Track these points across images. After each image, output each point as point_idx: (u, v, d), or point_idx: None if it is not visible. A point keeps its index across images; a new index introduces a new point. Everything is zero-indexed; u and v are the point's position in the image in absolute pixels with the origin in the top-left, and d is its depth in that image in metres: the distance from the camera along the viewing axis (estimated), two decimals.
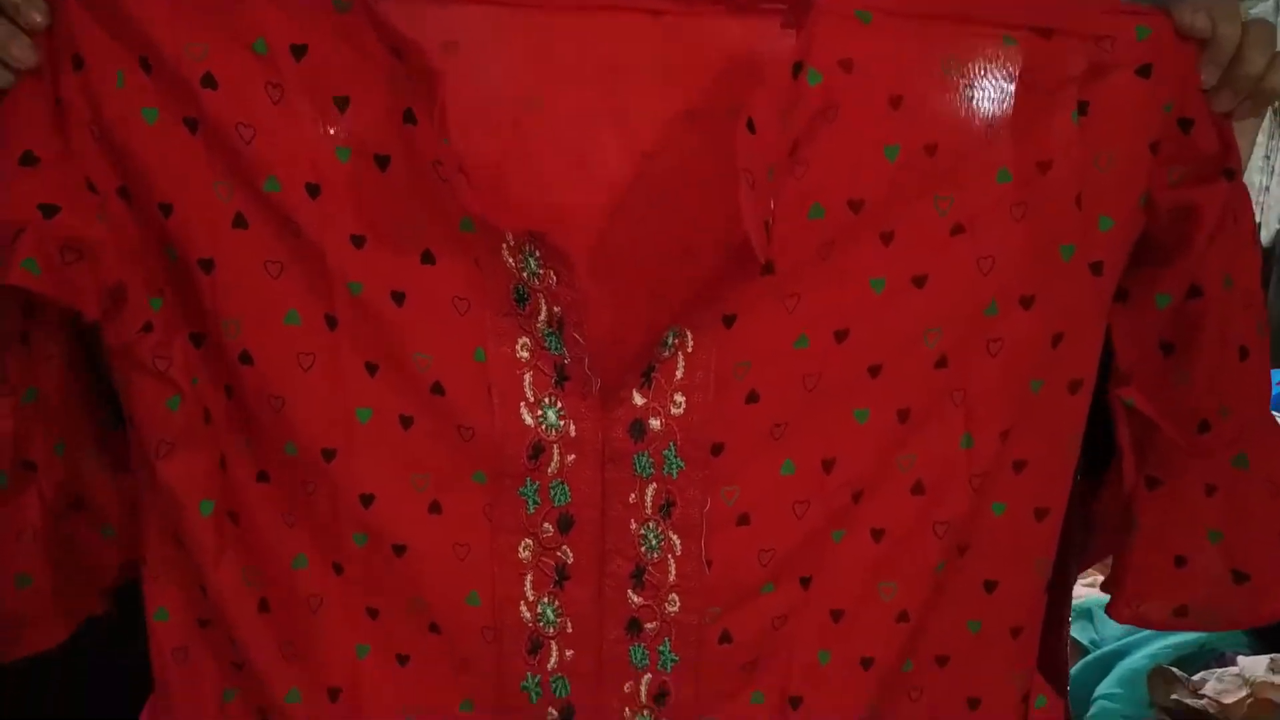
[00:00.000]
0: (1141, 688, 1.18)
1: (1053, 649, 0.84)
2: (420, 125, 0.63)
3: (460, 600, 0.70)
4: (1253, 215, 0.70)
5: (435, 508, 0.69)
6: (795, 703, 0.72)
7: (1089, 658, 1.25)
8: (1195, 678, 1.17)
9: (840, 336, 0.67)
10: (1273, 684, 1.09)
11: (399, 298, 0.66)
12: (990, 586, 0.72)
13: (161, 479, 0.67)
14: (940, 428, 0.69)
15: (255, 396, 0.67)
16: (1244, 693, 1.10)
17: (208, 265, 0.65)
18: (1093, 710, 1.17)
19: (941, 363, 0.68)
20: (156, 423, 0.66)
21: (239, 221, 0.65)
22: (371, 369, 0.67)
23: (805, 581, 0.70)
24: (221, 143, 0.63)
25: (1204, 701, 1.13)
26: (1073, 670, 1.25)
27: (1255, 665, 1.12)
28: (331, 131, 0.64)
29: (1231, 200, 0.66)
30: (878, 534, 0.70)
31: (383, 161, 0.64)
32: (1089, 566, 0.84)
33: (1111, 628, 1.28)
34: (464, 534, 0.69)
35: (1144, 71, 0.65)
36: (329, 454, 0.67)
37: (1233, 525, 0.72)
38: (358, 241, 0.65)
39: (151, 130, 0.63)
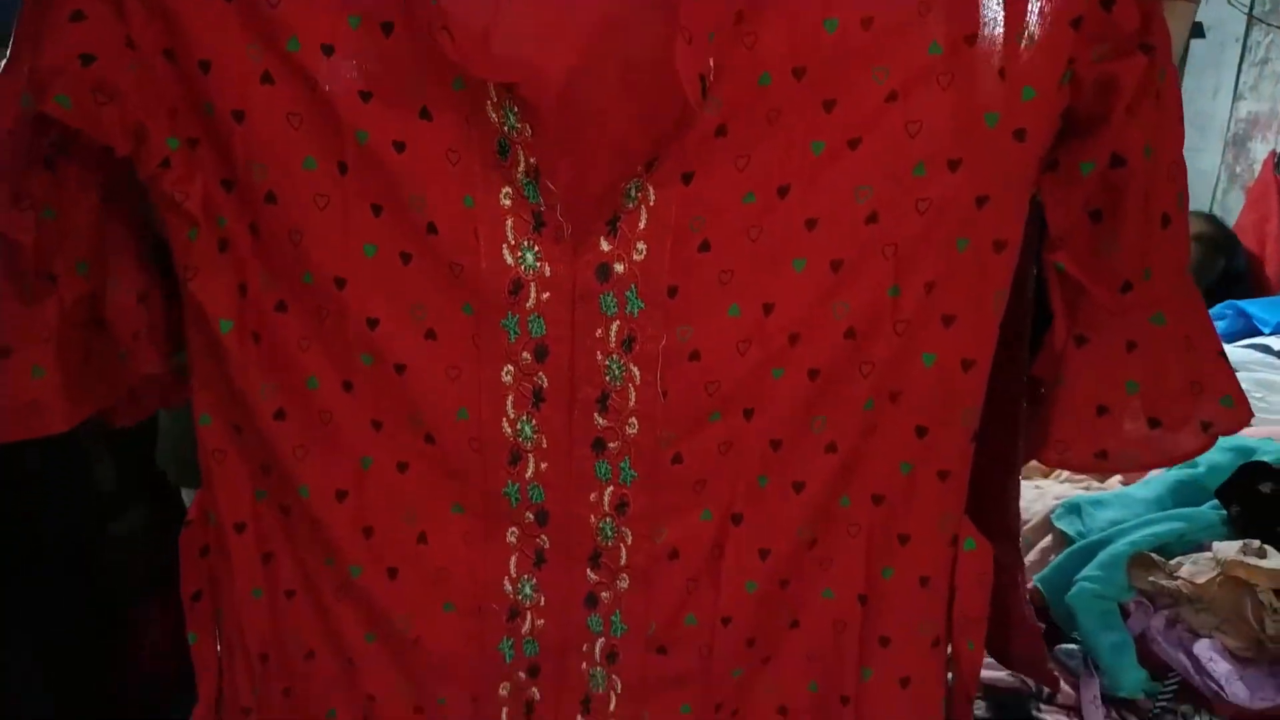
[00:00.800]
0: (1120, 571, 1.22)
1: (1002, 514, 0.91)
2: None
3: (452, 416, 0.81)
4: (1177, 92, 0.75)
5: (430, 335, 0.79)
6: (737, 519, 0.82)
7: (1073, 547, 1.29)
8: (1172, 562, 1.22)
9: (782, 193, 0.75)
10: (1242, 563, 1.13)
11: (399, 147, 0.75)
12: (921, 431, 0.80)
13: (189, 297, 0.79)
14: (870, 278, 0.76)
15: (277, 231, 0.78)
16: (1215, 573, 1.16)
17: (239, 116, 0.75)
18: (1072, 591, 1.22)
19: (872, 218, 0.75)
20: (181, 249, 0.78)
21: (266, 78, 0.75)
22: (376, 210, 0.77)
23: (748, 413, 0.80)
24: (252, 8, 0.74)
25: (1178, 583, 1.19)
26: (1057, 559, 1.32)
27: (1228, 549, 1.17)
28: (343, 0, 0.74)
29: (1151, 74, 0.70)
30: (813, 373, 0.78)
31: (387, 28, 0.74)
32: (1037, 447, 0.88)
33: (1097, 521, 1.33)
34: (455, 358, 0.80)
35: None
36: (340, 282, 0.78)
37: (1149, 377, 0.78)
38: (364, 97, 0.75)
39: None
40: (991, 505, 0.89)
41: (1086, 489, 1.48)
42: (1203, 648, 1.16)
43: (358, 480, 0.83)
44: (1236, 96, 3.19)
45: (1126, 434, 0.80)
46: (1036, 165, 0.74)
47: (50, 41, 0.71)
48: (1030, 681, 1.20)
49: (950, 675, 0.88)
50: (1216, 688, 1.12)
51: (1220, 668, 1.13)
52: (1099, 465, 0.82)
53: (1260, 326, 1.90)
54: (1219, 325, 1.93)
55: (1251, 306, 1.93)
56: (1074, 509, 1.38)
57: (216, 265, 0.79)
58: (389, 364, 0.80)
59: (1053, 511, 1.40)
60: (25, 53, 0.72)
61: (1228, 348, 1.81)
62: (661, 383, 0.78)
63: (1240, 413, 0.80)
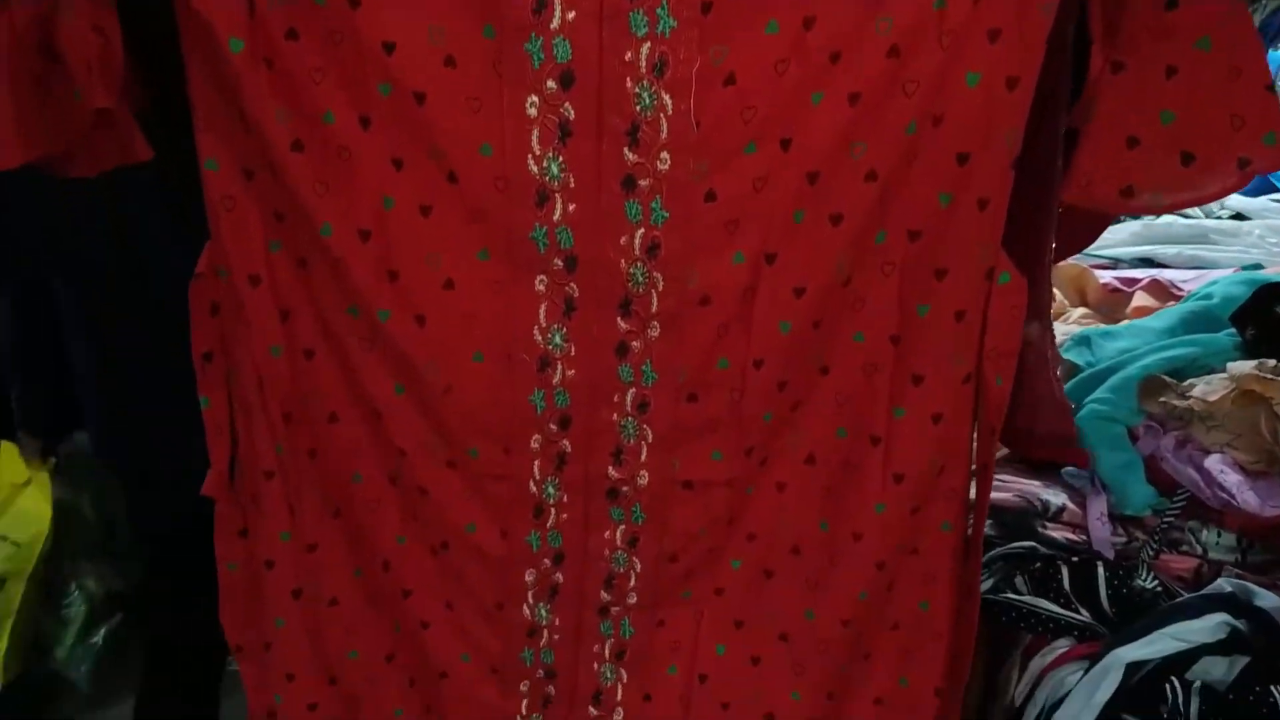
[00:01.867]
0: (1131, 394, 1.21)
1: (1036, 292, 0.89)
2: None
3: (475, 150, 0.78)
4: None
5: (450, 61, 0.76)
6: (771, 259, 0.80)
7: (1082, 374, 1.28)
8: (1184, 384, 1.22)
9: None
10: (1258, 377, 1.13)
11: None
12: (962, 159, 0.77)
13: (191, 19, 0.75)
14: None
15: None
16: (1229, 389, 1.15)
17: None
18: (1081, 413, 1.21)
19: None
20: None
21: None
22: None
23: (785, 143, 0.77)
24: None
25: (1190, 402, 1.19)
26: (1067, 386, 1.32)
27: (1242, 366, 1.16)
28: None
29: None
30: (853, 98, 0.76)
31: None
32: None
33: (1107, 351, 1.33)
34: (476, 88, 0.76)
35: None
36: (353, 2, 0.74)
37: (1186, 107, 0.75)
38: None
39: None
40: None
41: (1090, 318, 1.49)
42: (1214, 461, 1.15)
43: (380, 221, 0.80)
44: None
45: (1156, 169, 0.77)
46: None
47: None
48: (1037, 500, 1.20)
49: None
50: (1227, 497, 1.12)
51: (1231, 478, 1.13)
52: (1123, 203, 0.79)
53: (1275, 182, 1.88)
54: None
55: None
56: (1084, 341, 1.38)
57: None
58: (407, 93, 0.76)
59: (1061, 344, 1.39)
60: None
61: (1241, 200, 1.83)
62: (695, 111, 0.75)
63: None
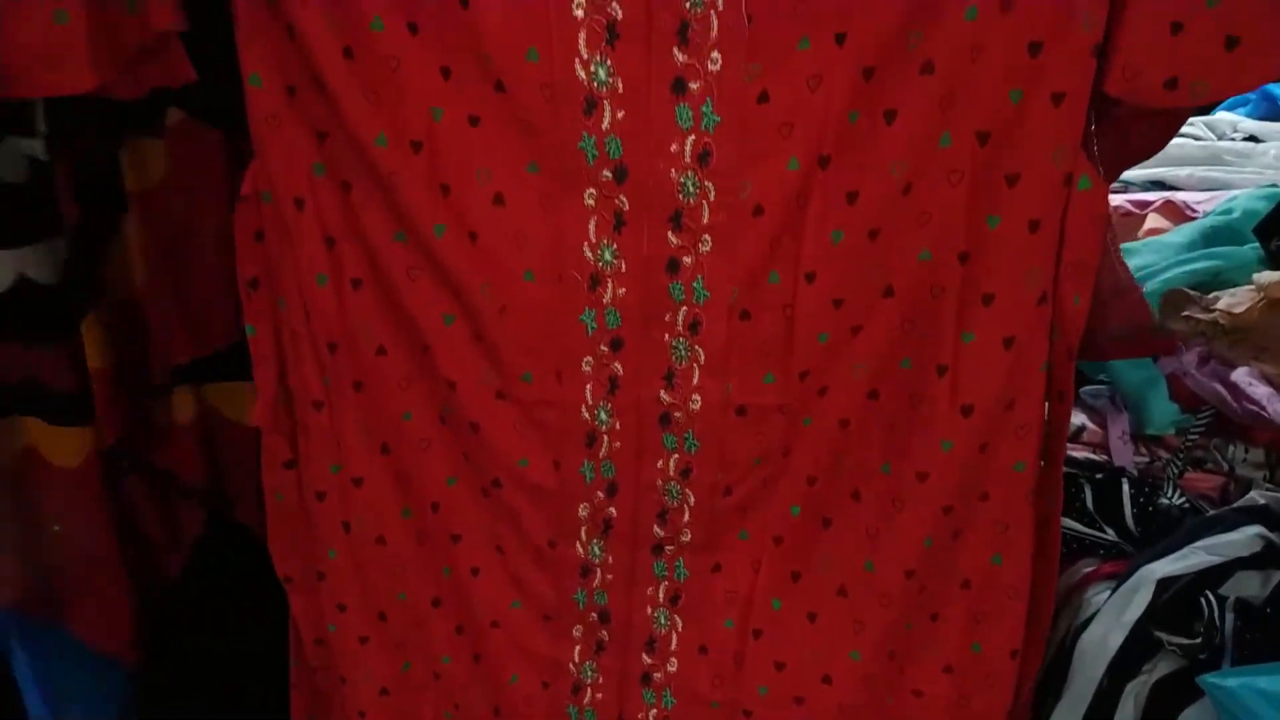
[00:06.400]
0: (1153, 309, 1.22)
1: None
2: None
3: (521, 56, 0.75)
4: None
5: None
6: (824, 162, 0.78)
7: None
8: (1209, 297, 1.21)
9: None
10: None
11: None
12: (1034, 49, 0.74)
13: None
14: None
15: None
16: (1257, 299, 1.14)
17: None
18: None
19: None
20: None
21: None
22: None
23: (839, 37, 0.74)
24: None
25: (1215, 314, 1.18)
26: None
27: (1271, 276, 1.16)
28: None
29: None
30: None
31: None
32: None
33: None
34: None
35: None
36: None
37: None
38: None
39: None
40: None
41: None
42: (1241, 374, 1.15)
43: (430, 133, 0.78)
44: None
45: (1203, 55, 0.72)
46: None
47: None
48: None
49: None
50: (1257, 409, 1.11)
51: (1260, 390, 1.13)
52: (1167, 96, 0.74)
53: None
54: (1244, 109, 1.89)
55: (1277, 89, 1.89)
56: None
57: None
58: None
59: None
60: None
61: (1255, 122, 1.81)
62: (746, 5, 0.73)
63: None
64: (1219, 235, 1.33)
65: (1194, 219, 1.48)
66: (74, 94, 0.74)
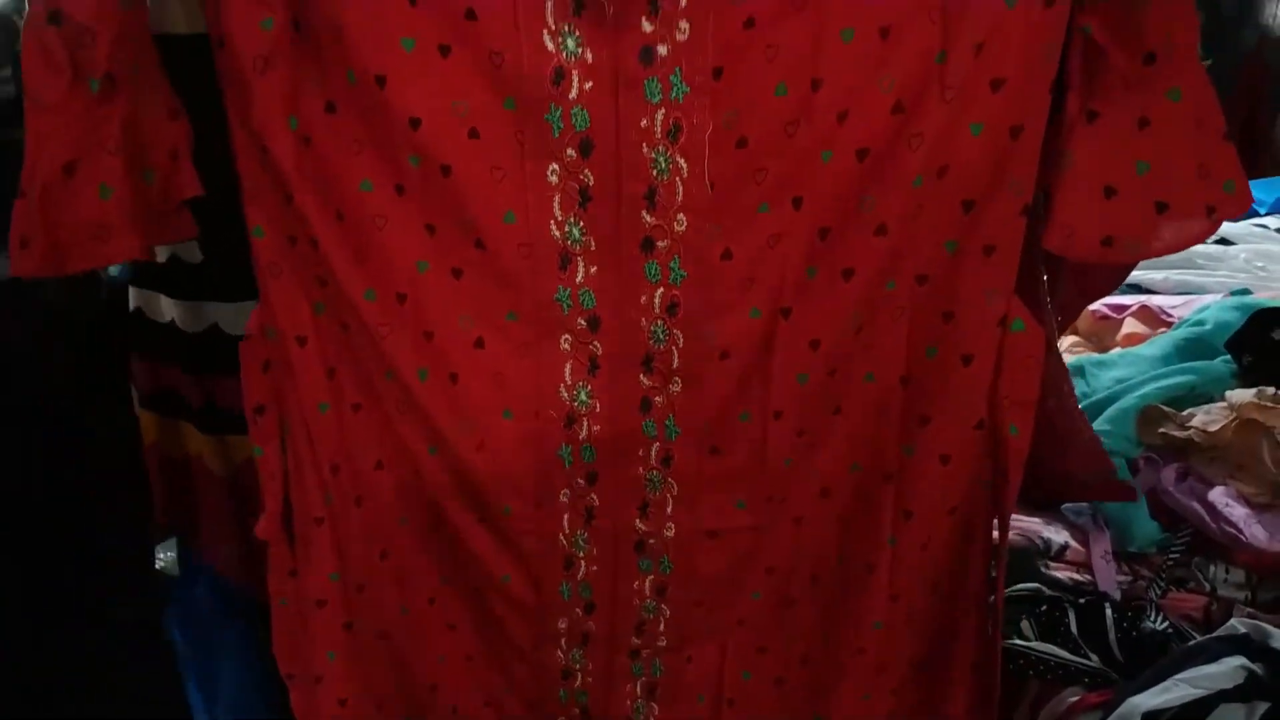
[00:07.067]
0: (1130, 425, 1.21)
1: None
2: None
3: (499, 218, 0.79)
4: None
5: (474, 133, 0.77)
6: (786, 313, 0.82)
7: (1080, 405, 1.29)
8: (1184, 414, 1.22)
9: None
10: (1258, 405, 1.13)
11: None
12: (968, 206, 0.79)
13: (258, 93, 0.75)
14: (918, 44, 0.75)
15: (320, 27, 0.75)
16: (1230, 419, 1.15)
17: None
18: None
19: None
20: (252, 39, 0.74)
21: None
22: None
23: (796, 201, 0.79)
24: None
25: (1190, 432, 1.19)
26: None
27: (1242, 395, 1.17)
28: None
29: None
30: (861, 153, 0.77)
31: None
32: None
33: (1102, 381, 1.33)
34: (499, 158, 0.78)
35: None
36: (381, 80, 0.75)
37: (1159, 157, 0.77)
38: None
39: None
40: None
41: (1082, 346, 1.49)
42: (1218, 494, 1.16)
43: (414, 284, 0.82)
44: None
45: (1134, 218, 0.78)
46: None
47: None
48: (1038, 538, 1.19)
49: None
50: (1235, 532, 1.12)
51: (1237, 511, 1.13)
52: (1104, 253, 0.80)
53: (1255, 207, 1.90)
54: None
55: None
56: (1077, 370, 1.38)
57: (283, 58, 0.76)
58: (435, 165, 0.78)
59: None
60: None
61: (1226, 225, 1.83)
62: (709, 173, 0.77)
63: (1242, 198, 0.79)
64: (1192, 348, 1.35)
65: (1169, 323, 1.50)
66: (123, 261, 0.80)
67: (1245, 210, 0.79)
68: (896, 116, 0.76)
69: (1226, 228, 1.84)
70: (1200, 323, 1.38)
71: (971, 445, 0.87)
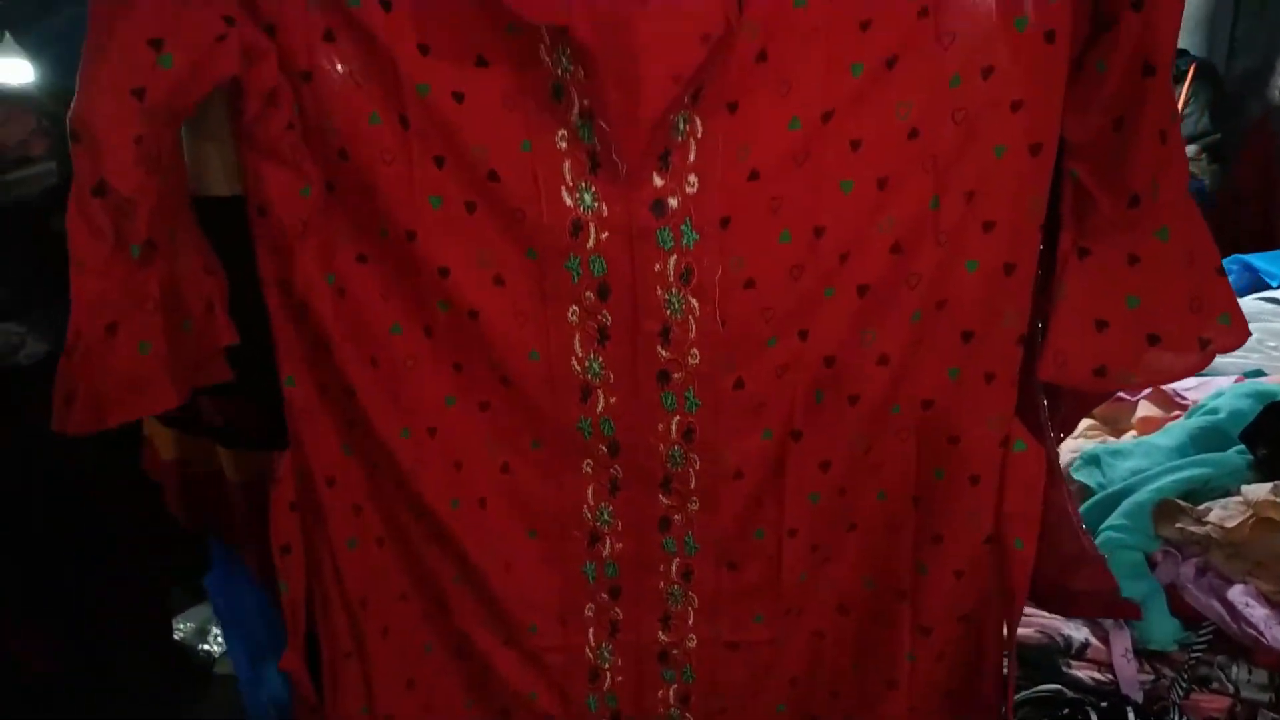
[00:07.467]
0: (1146, 519, 1.22)
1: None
2: None
3: (524, 357, 0.84)
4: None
5: (498, 280, 0.82)
6: (796, 436, 0.86)
7: (1095, 498, 1.29)
8: (1200, 508, 1.22)
9: (826, 117, 0.78)
10: (1275, 503, 1.13)
11: (459, 97, 0.78)
12: (967, 336, 0.83)
13: (299, 256, 0.80)
14: (913, 192, 0.79)
15: (352, 187, 0.80)
16: (1246, 516, 1.15)
17: (306, 76, 0.77)
18: (1098, 541, 1.21)
19: (913, 134, 0.78)
20: (292, 206, 0.78)
21: (328, 36, 0.76)
22: (439, 161, 0.79)
23: (802, 334, 0.83)
24: None
25: (1208, 528, 1.19)
26: (1080, 509, 1.31)
27: (1258, 491, 1.17)
28: None
29: None
30: (862, 290, 0.82)
31: None
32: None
33: (1118, 471, 1.34)
34: (523, 302, 0.83)
35: None
36: (410, 235, 0.80)
37: (1149, 292, 0.79)
38: (423, 50, 0.77)
39: None
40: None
41: (1104, 440, 1.49)
42: (1237, 594, 1.16)
43: (442, 416, 0.87)
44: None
45: (1126, 350, 0.81)
46: (1067, 66, 0.76)
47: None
48: (1059, 635, 1.19)
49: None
50: (1255, 634, 1.11)
51: (1258, 613, 1.13)
52: (1097, 382, 0.82)
53: (1267, 280, 1.90)
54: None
55: (1258, 260, 1.93)
56: (1093, 460, 1.39)
57: (320, 223, 0.81)
58: (463, 311, 0.83)
59: (1071, 464, 1.40)
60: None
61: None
62: (720, 312, 0.81)
63: (1237, 331, 0.81)
64: (1207, 437, 1.35)
65: (1183, 406, 1.51)
66: (160, 413, 0.83)
67: (1243, 342, 0.81)
68: (894, 257, 0.80)
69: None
70: (1214, 410, 1.39)
71: (982, 560, 0.90)
